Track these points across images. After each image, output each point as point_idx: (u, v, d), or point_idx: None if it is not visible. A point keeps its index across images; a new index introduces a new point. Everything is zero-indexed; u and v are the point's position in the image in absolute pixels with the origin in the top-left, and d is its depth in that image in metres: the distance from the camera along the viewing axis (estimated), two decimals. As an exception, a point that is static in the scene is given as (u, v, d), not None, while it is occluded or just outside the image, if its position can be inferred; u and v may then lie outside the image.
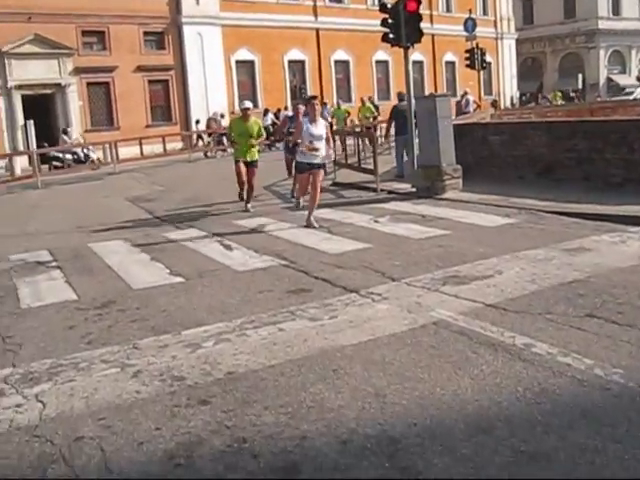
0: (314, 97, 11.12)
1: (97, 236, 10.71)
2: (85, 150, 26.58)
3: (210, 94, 35.20)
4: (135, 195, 16.09)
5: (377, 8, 39.95)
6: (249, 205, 12.21)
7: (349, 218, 10.50)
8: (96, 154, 26.68)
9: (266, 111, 33.20)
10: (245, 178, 12.04)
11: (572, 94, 47.63)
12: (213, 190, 15.58)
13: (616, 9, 58.98)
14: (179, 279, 7.37)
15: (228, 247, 8.99)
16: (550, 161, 12.25)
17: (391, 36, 12.80)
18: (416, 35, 12.66)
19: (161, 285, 7.16)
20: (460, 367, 4.35)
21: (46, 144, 26.08)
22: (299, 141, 10.24)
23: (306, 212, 10.21)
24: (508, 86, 51.05)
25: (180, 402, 4.16)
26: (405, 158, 14.57)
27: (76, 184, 20.61)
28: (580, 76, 53.44)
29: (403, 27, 12.52)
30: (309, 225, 9.92)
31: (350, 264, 7.41)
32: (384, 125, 18.52)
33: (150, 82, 33.67)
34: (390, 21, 12.68)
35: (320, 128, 10.13)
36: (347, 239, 8.84)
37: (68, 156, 25.96)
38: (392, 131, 15.95)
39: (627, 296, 5.53)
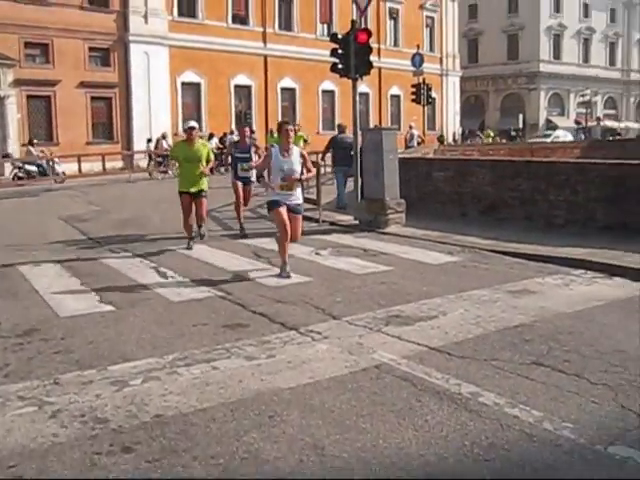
0: (286, 122, 8.93)
1: (25, 256, 10.16)
2: (50, 163, 25.92)
3: (154, 114, 34.69)
4: (70, 214, 15.49)
5: (326, 38, 40.38)
6: (202, 229, 10.69)
7: (289, 249, 10.21)
8: (61, 167, 26.14)
9: (211, 135, 32.90)
10: (193, 213, 10.47)
11: (513, 133, 48.71)
12: (152, 212, 15.14)
13: (557, 53, 60.96)
14: (109, 307, 6.97)
15: (164, 275, 8.61)
16: (494, 200, 12.28)
17: (340, 67, 12.71)
18: (365, 67, 12.60)
19: (90, 313, 6.74)
20: (404, 417, 4.11)
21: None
22: (264, 174, 8.62)
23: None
24: (451, 122, 51.88)
25: (102, 448, 3.80)
26: (346, 190, 14.48)
27: (9, 199, 19.82)
28: (521, 116, 54.89)
29: (353, 58, 12.44)
30: (287, 275, 8.19)
31: (290, 298, 7.14)
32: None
33: (93, 98, 32.97)
34: (340, 52, 12.59)
35: (294, 160, 8.27)
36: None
37: (33, 168, 25.46)
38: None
39: (573, 343, 5.41)
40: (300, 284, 7.81)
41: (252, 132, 27.10)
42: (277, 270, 8.62)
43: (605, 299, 6.93)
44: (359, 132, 13.12)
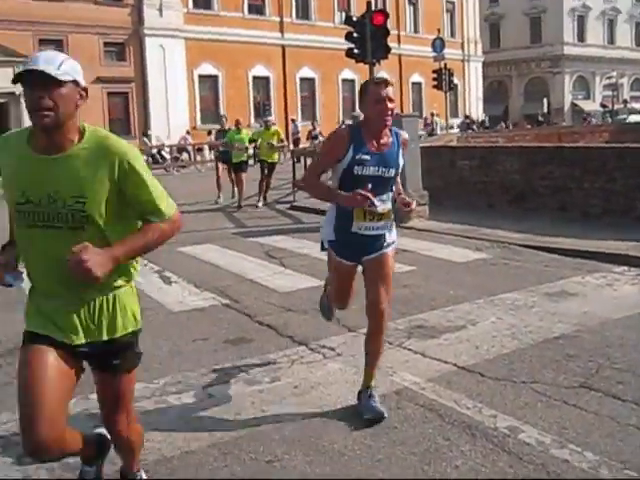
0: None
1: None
2: None
3: (171, 108, 34.24)
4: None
5: (344, 26, 39.77)
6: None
7: (304, 248, 9.51)
8: None
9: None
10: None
11: (541, 118, 47.46)
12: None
13: (581, 35, 59.46)
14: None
15: (167, 280, 7.96)
16: (523, 189, 11.47)
17: (356, 51, 11.96)
18: (382, 51, 11.85)
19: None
20: (429, 461, 3.40)
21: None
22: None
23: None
24: (474, 108, 50.78)
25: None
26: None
27: None
28: (545, 100, 53.57)
29: (369, 42, 11.68)
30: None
31: (301, 306, 6.45)
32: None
33: (109, 94, 32.59)
34: (355, 35, 11.83)
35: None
36: (301, 274, 7.88)
37: None
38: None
39: (626, 359, 4.64)
40: (313, 288, 7.07)
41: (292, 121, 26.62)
42: (290, 271, 7.96)
43: (656, 301, 6.15)
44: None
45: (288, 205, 14.49)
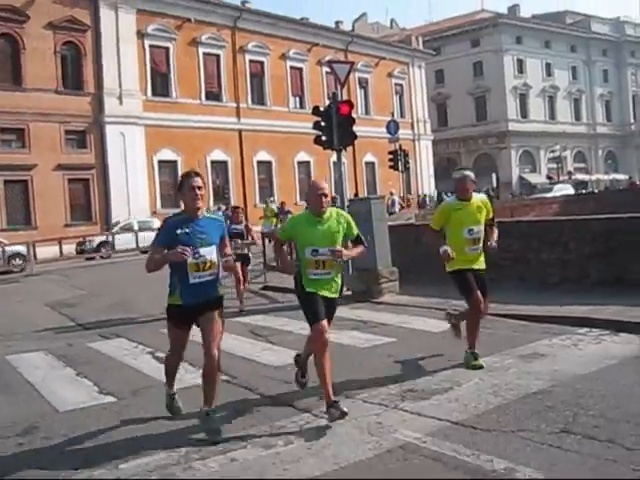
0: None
1: (14, 347, 9.91)
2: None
3: (132, 193, 34.84)
4: (55, 300, 15.24)
5: (299, 110, 41.28)
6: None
7: (287, 325, 10.07)
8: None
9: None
10: None
11: (492, 193, 49.32)
12: (140, 295, 14.92)
13: (524, 112, 62.48)
14: (110, 398, 6.73)
15: (161, 360, 8.29)
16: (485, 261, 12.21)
17: (324, 139, 12.79)
18: (349, 138, 12.72)
19: (91, 406, 6.49)
20: (440, 501, 3.92)
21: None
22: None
23: None
24: (426, 185, 52.56)
25: None
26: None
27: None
28: (494, 175, 55.69)
29: (336, 130, 12.54)
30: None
31: (296, 378, 6.94)
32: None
33: (70, 180, 33.11)
34: (323, 124, 12.70)
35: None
36: (289, 349, 8.35)
37: None
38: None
39: (597, 407, 5.26)
40: (305, 362, 7.61)
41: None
42: (278, 348, 8.45)
43: (617, 357, 6.82)
44: (346, 202, 13.13)
45: (261, 285, 15.04)
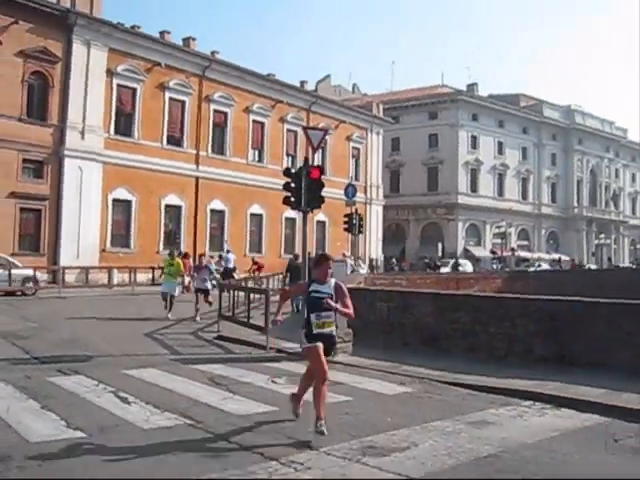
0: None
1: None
2: None
3: (83, 229, 34.57)
4: (6, 330, 15.16)
5: (256, 164, 41.86)
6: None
7: (245, 376, 10.38)
8: None
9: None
10: None
11: (438, 262, 50.64)
12: (94, 332, 15.03)
13: (474, 186, 64.58)
14: (80, 433, 6.93)
15: (125, 400, 8.60)
16: (436, 331, 12.84)
17: (292, 199, 13.33)
18: (317, 201, 13.29)
19: (62, 439, 6.69)
20: None
21: None
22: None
23: None
24: (374, 248, 53.55)
25: None
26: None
27: None
28: (440, 245, 57.13)
29: (305, 192, 13.11)
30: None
31: (261, 428, 7.29)
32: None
33: (22, 210, 32.69)
34: (293, 185, 13.25)
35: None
36: (250, 400, 8.71)
37: None
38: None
39: (543, 474, 5.82)
40: (268, 413, 7.97)
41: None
42: (240, 397, 8.77)
43: (559, 430, 7.43)
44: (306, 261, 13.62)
45: (215, 334, 15.30)
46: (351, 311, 7.52)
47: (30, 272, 27.32)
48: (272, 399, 8.75)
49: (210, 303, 18.50)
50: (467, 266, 49.79)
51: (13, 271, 25.86)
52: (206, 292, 18.86)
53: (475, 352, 11.94)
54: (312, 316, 7.30)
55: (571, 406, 8.50)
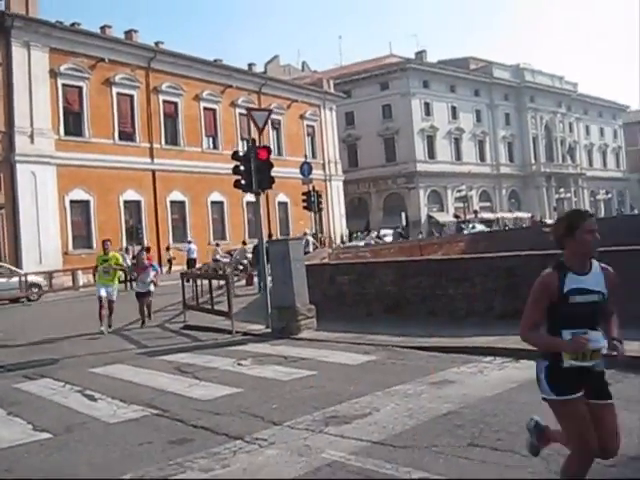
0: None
1: None
2: None
3: (43, 233, 34.17)
4: (-31, 341, 15.02)
5: (212, 151, 41.61)
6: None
7: (211, 362, 10.45)
8: None
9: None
10: None
11: (402, 232, 50.90)
12: (60, 335, 14.93)
13: (432, 153, 64.89)
14: (46, 435, 6.94)
15: (91, 397, 8.61)
16: (397, 298, 13.00)
17: (243, 182, 13.34)
18: (267, 182, 13.32)
19: (28, 442, 6.70)
20: (366, 508, 4.46)
21: None
22: None
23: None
24: (338, 224, 53.72)
25: None
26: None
27: None
28: (403, 214, 57.45)
29: (255, 174, 13.13)
30: None
31: (226, 410, 7.36)
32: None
33: (-22, 220, 32.25)
34: (242, 168, 13.25)
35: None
36: (216, 384, 8.78)
37: None
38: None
39: (501, 424, 5.96)
40: (232, 395, 8.05)
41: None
42: (205, 383, 8.84)
43: (517, 381, 7.59)
44: (265, 242, 13.67)
45: (181, 324, 15.32)
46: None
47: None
48: (237, 381, 8.84)
49: (149, 309, 16.30)
50: (387, 237, 48.32)
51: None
52: (147, 294, 16.21)
53: (437, 315, 12.12)
54: (565, 333, 3.94)
55: (530, 357, 8.66)
